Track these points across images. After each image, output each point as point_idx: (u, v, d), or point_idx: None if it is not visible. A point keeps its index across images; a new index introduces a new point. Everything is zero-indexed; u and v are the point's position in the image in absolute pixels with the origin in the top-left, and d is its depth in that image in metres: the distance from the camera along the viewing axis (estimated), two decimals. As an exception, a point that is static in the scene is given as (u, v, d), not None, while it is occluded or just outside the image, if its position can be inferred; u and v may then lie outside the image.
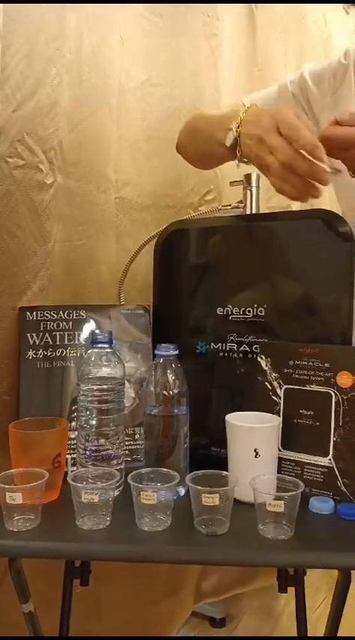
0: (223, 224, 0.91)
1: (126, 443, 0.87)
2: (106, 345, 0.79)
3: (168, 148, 1.19)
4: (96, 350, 0.79)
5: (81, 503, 0.68)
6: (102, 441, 0.77)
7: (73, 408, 0.88)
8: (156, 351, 0.79)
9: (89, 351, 0.80)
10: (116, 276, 1.08)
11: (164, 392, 0.77)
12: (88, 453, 0.77)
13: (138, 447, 0.89)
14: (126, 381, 0.88)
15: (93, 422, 0.77)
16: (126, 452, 0.86)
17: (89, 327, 0.94)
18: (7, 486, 0.67)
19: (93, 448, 0.77)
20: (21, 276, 0.95)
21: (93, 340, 0.79)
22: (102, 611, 1.07)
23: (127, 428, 0.88)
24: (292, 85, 0.94)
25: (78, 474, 0.72)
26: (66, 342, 0.93)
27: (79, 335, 0.93)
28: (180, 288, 0.94)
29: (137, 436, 0.90)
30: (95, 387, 0.77)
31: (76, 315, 0.94)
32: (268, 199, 1.22)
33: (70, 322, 0.93)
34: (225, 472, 0.72)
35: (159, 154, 1.18)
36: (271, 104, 0.91)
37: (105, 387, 0.78)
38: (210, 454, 0.88)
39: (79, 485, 0.67)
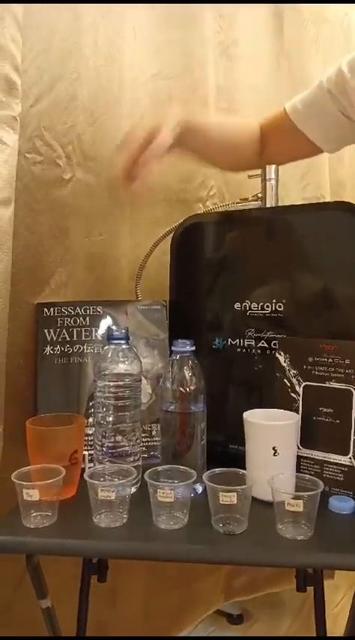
0: (241, 217, 0.90)
1: (144, 439, 0.87)
2: (123, 342, 0.78)
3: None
4: (112, 346, 0.78)
5: (97, 501, 0.67)
6: (118, 437, 0.76)
7: (90, 404, 0.88)
8: (173, 347, 0.78)
9: (105, 348, 0.79)
10: (134, 271, 1.08)
11: (180, 389, 0.77)
12: (104, 449, 0.77)
13: (155, 443, 0.89)
14: (143, 378, 0.87)
15: (110, 418, 0.76)
16: (143, 448, 0.86)
17: (106, 323, 0.93)
18: (24, 483, 0.67)
19: (110, 445, 0.77)
20: (39, 273, 0.95)
21: (109, 336, 0.78)
22: (117, 600, 1.07)
23: (144, 424, 0.87)
24: (328, 82, 0.92)
25: (94, 470, 0.72)
26: (83, 338, 0.92)
27: (95, 331, 0.93)
28: (197, 283, 0.93)
29: (154, 433, 0.89)
30: (111, 384, 0.77)
31: (93, 311, 0.93)
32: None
33: (87, 318, 0.93)
34: (242, 470, 0.71)
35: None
36: (312, 104, 0.93)
37: (121, 383, 0.77)
38: (227, 451, 0.87)
39: (96, 482, 0.67)
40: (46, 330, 0.91)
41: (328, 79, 0.92)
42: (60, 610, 0.79)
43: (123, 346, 0.78)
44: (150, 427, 0.89)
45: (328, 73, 0.93)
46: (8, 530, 0.66)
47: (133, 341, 0.91)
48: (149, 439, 0.89)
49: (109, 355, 0.78)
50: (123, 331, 0.78)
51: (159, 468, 0.72)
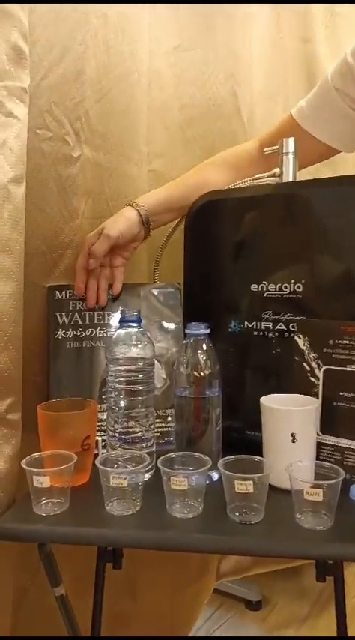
0: (258, 194, 0.86)
1: (158, 425, 0.85)
2: (135, 325, 0.76)
3: (204, 116, 1.14)
4: (124, 329, 0.76)
5: (109, 488, 0.65)
6: (131, 423, 0.74)
7: (103, 389, 0.86)
8: (187, 330, 0.75)
9: (117, 331, 0.77)
10: (145, 254, 1.05)
11: (195, 373, 0.74)
12: (117, 435, 0.74)
13: (170, 429, 0.86)
14: (157, 362, 0.85)
15: (122, 403, 0.74)
16: (158, 434, 0.84)
17: (118, 305, 0.91)
18: (34, 469, 0.65)
19: (123, 430, 0.74)
20: (49, 254, 0.93)
21: (121, 319, 0.76)
22: (137, 591, 1.06)
23: (159, 410, 0.85)
24: (333, 77, 0.88)
25: (107, 457, 0.69)
26: (95, 322, 0.90)
27: (108, 314, 0.91)
28: (213, 264, 0.89)
29: (169, 418, 0.87)
30: (123, 368, 0.74)
31: (108, 295, 0.91)
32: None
33: (100, 301, 0.91)
34: (259, 457, 0.69)
35: (194, 122, 1.12)
36: (319, 105, 0.90)
37: (133, 367, 0.75)
38: (244, 438, 0.84)
39: (108, 469, 0.65)
40: (57, 314, 0.89)
41: (332, 74, 0.88)
42: (77, 600, 0.77)
43: (136, 329, 0.76)
44: (164, 412, 0.87)
45: (331, 69, 0.88)
46: (19, 517, 0.65)
47: (147, 325, 0.89)
48: (164, 425, 0.87)
49: (121, 338, 0.75)
50: (136, 314, 0.76)
51: (173, 455, 0.69)
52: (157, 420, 0.84)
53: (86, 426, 0.74)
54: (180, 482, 0.63)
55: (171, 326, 0.91)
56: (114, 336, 0.77)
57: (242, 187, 0.91)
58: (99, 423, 0.83)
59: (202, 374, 0.74)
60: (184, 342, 0.76)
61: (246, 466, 0.67)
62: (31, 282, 0.89)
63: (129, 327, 0.75)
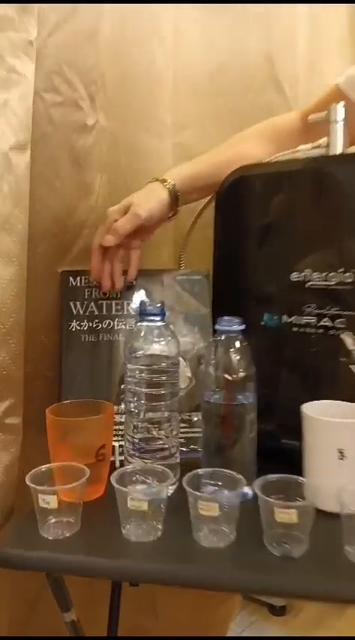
0: (300, 168, 0.74)
1: (182, 430, 0.75)
2: (157, 318, 0.66)
3: (237, 82, 1.02)
4: (145, 323, 0.66)
5: (127, 510, 0.56)
6: (153, 431, 0.65)
7: (122, 387, 0.76)
8: (217, 326, 0.65)
9: (137, 325, 0.67)
10: (171, 235, 0.94)
11: (226, 376, 0.64)
12: (136, 444, 0.65)
13: (195, 434, 0.77)
14: (181, 359, 0.75)
15: (142, 409, 0.65)
16: (182, 440, 0.74)
17: (139, 295, 0.81)
18: (39, 488, 0.56)
19: (143, 439, 0.65)
20: (61, 236, 0.83)
21: (141, 312, 0.66)
22: (158, 609, 0.97)
23: (183, 413, 0.75)
24: None
25: (124, 472, 0.60)
26: (113, 312, 0.80)
27: (127, 304, 0.81)
28: (247, 249, 0.78)
29: (194, 420, 0.77)
30: (144, 368, 0.65)
31: (124, 282, 0.81)
32: None
33: (118, 289, 0.81)
34: (301, 478, 0.59)
35: (226, 90, 1.01)
36: None
37: (156, 367, 0.65)
38: (279, 446, 0.74)
39: (124, 489, 0.56)
40: (71, 303, 0.80)
41: None
42: (89, 624, 0.69)
43: (158, 323, 0.66)
44: (189, 416, 0.77)
45: None
46: (21, 541, 0.56)
47: (171, 316, 0.79)
48: (188, 429, 0.77)
49: (142, 334, 0.66)
50: (159, 305, 0.66)
51: (201, 472, 0.60)
52: (181, 425, 0.74)
53: (102, 433, 0.65)
54: (210, 507, 0.54)
55: (198, 318, 0.81)
56: (133, 331, 0.67)
57: (282, 161, 0.79)
58: (117, 427, 0.74)
59: (235, 377, 0.64)
60: (214, 339, 0.66)
61: (287, 487, 0.57)
62: (41, 267, 0.80)
63: (151, 320, 0.65)
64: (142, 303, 0.66)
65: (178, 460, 0.68)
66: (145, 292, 0.81)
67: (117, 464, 0.73)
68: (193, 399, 0.77)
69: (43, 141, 0.77)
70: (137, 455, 0.66)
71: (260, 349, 0.72)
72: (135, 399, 0.65)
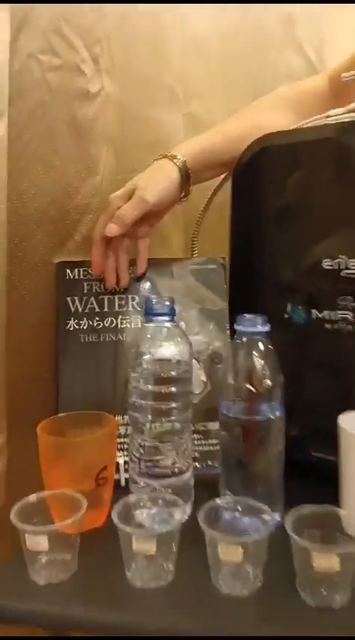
0: (332, 135, 0.63)
1: (196, 442, 0.66)
2: (167, 318, 0.56)
3: (250, 48, 0.90)
4: (151, 325, 0.56)
5: (131, 552, 0.47)
6: (162, 451, 0.55)
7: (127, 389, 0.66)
8: (238, 327, 0.55)
9: (142, 326, 0.57)
10: (181, 220, 0.84)
11: (249, 386, 0.54)
12: (142, 467, 0.56)
13: (211, 447, 0.67)
14: (194, 361, 0.65)
15: (149, 426, 0.55)
16: (196, 454, 0.65)
17: (145, 289, 0.71)
18: (27, 527, 0.47)
19: (150, 460, 0.55)
20: (59, 221, 0.73)
21: (147, 311, 0.56)
22: None
23: (197, 423, 0.65)
24: None
25: (126, 503, 0.51)
26: (117, 309, 0.71)
27: (133, 299, 0.71)
28: (269, 232, 0.68)
29: (211, 430, 0.68)
30: (151, 377, 0.55)
31: (130, 273, 0.71)
32: None
33: (122, 282, 0.71)
34: (342, 510, 0.49)
35: (238, 56, 0.89)
36: None
37: (164, 376, 0.55)
38: (309, 460, 0.65)
39: (128, 530, 0.46)
40: (69, 298, 0.70)
41: None
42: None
43: (167, 324, 0.56)
44: (204, 426, 0.68)
45: None
46: (7, 588, 0.47)
47: (181, 312, 0.69)
48: (203, 442, 0.67)
49: (147, 337, 0.56)
50: (167, 303, 0.56)
51: (219, 502, 0.50)
52: (195, 436, 0.65)
53: (103, 454, 0.56)
54: (233, 551, 0.44)
55: (213, 313, 0.71)
56: (137, 333, 0.57)
57: (310, 128, 0.68)
58: (122, 440, 0.65)
59: (259, 388, 0.53)
60: (233, 341, 0.56)
61: (324, 521, 0.47)
62: (36, 258, 0.71)
63: (159, 321, 0.55)
64: (148, 300, 0.56)
65: (192, 481, 0.58)
66: (152, 285, 0.71)
67: (122, 482, 0.64)
68: (209, 407, 0.68)
69: (39, 111, 0.67)
70: (144, 480, 0.56)
71: (283, 347, 0.62)
72: (141, 413, 0.55)
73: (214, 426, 0.67)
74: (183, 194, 0.71)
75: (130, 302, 0.71)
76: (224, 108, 0.85)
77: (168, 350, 0.55)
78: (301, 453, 0.64)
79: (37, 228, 0.71)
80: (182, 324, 0.69)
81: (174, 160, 0.69)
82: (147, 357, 0.55)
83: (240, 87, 0.87)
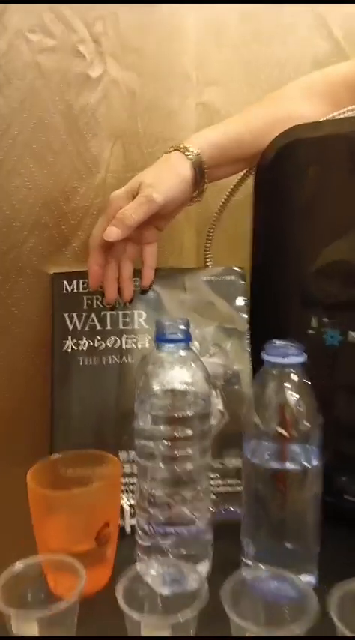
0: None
1: (212, 481, 0.57)
2: (181, 345, 0.46)
3: (272, 31, 0.81)
4: (163, 353, 0.46)
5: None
6: (176, 504, 0.46)
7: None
8: (266, 356, 0.45)
9: (152, 354, 0.48)
10: (193, 222, 0.74)
11: (280, 430, 0.44)
12: (152, 525, 0.46)
13: (229, 488, 0.58)
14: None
15: (159, 477, 0.46)
16: (213, 496, 0.56)
17: (154, 302, 0.62)
18: (12, 610, 0.38)
19: (160, 516, 0.46)
20: (55, 227, 0.64)
21: (158, 336, 0.46)
22: None
23: (213, 459, 0.56)
24: None
25: (134, 576, 0.41)
26: (121, 327, 0.61)
27: (140, 315, 0.62)
28: (298, 239, 0.58)
29: (227, 463, 0.59)
30: (163, 418, 0.46)
31: (136, 286, 0.62)
32: None
33: (127, 296, 0.62)
34: None
35: (258, 37, 0.79)
36: None
37: (178, 415, 0.46)
38: (341, 506, 0.56)
39: (136, 617, 0.37)
40: (66, 315, 0.61)
41: None
42: None
43: (182, 352, 0.47)
44: (221, 463, 0.59)
45: None
46: None
47: (195, 330, 0.60)
48: (220, 482, 0.58)
49: (157, 369, 0.46)
50: (183, 327, 0.46)
51: (246, 574, 0.41)
52: (211, 475, 0.55)
53: (104, 508, 0.47)
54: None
55: (231, 332, 0.62)
56: (144, 362, 0.48)
57: (344, 119, 0.59)
58: (126, 480, 0.56)
59: (293, 432, 0.44)
60: (260, 374, 0.46)
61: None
62: (29, 268, 0.62)
63: (173, 349, 0.46)
64: (159, 323, 0.47)
65: (211, 535, 0.49)
66: (160, 300, 0.62)
67: (127, 529, 0.55)
68: (226, 440, 0.59)
69: (31, 98, 0.58)
70: (154, 540, 0.47)
71: (320, 377, 0.52)
72: (150, 460, 0.46)
73: (232, 462, 0.59)
74: (196, 193, 0.62)
75: (136, 319, 0.62)
76: (242, 97, 0.76)
77: (183, 383, 0.46)
78: (331, 496, 0.55)
79: (28, 235, 0.62)
80: (196, 344, 0.60)
81: (187, 153, 0.59)
82: (157, 391, 0.46)
83: (261, 74, 0.78)
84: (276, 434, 0.44)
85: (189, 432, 0.45)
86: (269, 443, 0.46)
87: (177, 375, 0.46)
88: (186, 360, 0.47)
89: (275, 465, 0.45)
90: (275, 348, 0.45)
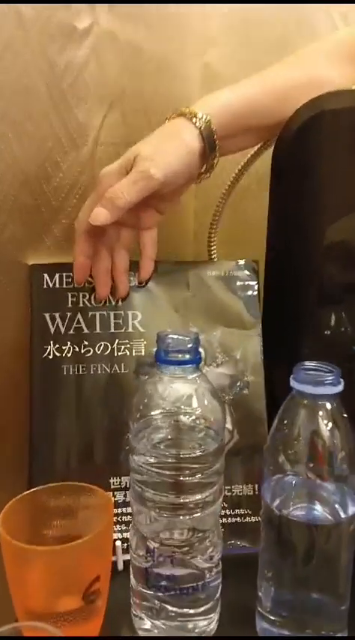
0: None
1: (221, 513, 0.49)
2: (190, 367, 0.37)
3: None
4: (167, 377, 0.37)
5: None
6: (179, 561, 0.38)
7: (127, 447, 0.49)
8: (296, 383, 0.37)
9: (151, 376, 0.39)
10: (192, 207, 0.64)
11: (311, 475, 0.36)
12: (152, 587, 0.38)
13: (239, 519, 0.50)
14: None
15: (161, 528, 0.38)
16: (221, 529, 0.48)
17: (152, 301, 0.53)
18: None
19: (162, 574, 0.38)
20: (35, 210, 0.54)
21: (160, 357, 0.37)
22: None
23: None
24: None
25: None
26: (112, 330, 0.52)
27: (135, 317, 0.53)
28: (326, 226, 0.49)
29: (237, 491, 0.51)
30: (166, 461, 0.37)
31: (130, 281, 0.53)
32: None
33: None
34: None
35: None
36: None
37: (185, 455, 0.37)
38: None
39: None
40: (47, 315, 0.52)
41: None
42: None
43: (190, 375, 0.38)
44: (230, 491, 0.50)
45: None
46: None
47: (200, 335, 0.51)
48: (228, 512, 0.50)
49: (160, 395, 0.38)
50: (191, 345, 0.37)
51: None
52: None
53: (94, 562, 0.38)
54: None
55: (241, 338, 0.53)
56: (142, 388, 0.39)
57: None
58: (118, 511, 0.48)
59: (328, 476, 0.36)
60: (287, 405, 0.38)
61: None
62: (5, 259, 0.52)
63: (179, 373, 0.37)
64: (162, 340, 0.37)
65: (219, 585, 0.42)
66: (159, 299, 0.53)
67: (120, 565, 0.47)
68: (236, 463, 0.51)
69: (9, 56, 0.47)
70: (155, 601, 0.39)
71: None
72: (151, 510, 0.38)
73: (241, 488, 0.51)
74: (204, 168, 0.51)
75: (130, 321, 0.53)
76: (242, 62, 0.64)
77: (192, 414, 0.37)
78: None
79: (7, 219, 0.52)
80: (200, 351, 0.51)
81: (194, 120, 0.49)
82: (158, 423, 0.37)
83: (267, 36, 0.66)
84: (305, 475, 0.36)
85: (199, 475, 0.37)
86: (296, 485, 0.38)
87: (184, 404, 0.37)
88: (195, 386, 0.38)
89: (301, 512, 0.37)
90: (307, 374, 0.36)
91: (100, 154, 0.55)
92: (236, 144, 0.53)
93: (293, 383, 0.37)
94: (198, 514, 0.38)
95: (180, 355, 0.37)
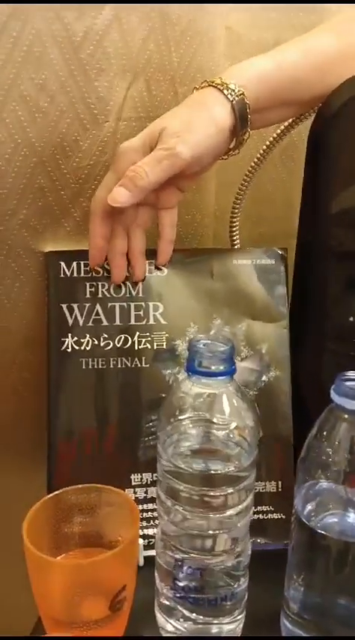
0: None
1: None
2: (224, 379, 0.35)
3: None
4: (197, 389, 0.35)
5: None
6: (208, 574, 0.37)
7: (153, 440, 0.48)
8: (337, 397, 0.35)
9: (182, 387, 0.37)
10: (213, 187, 0.60)
11: (351, 494, 0.35)
12: (178, 592, 0.38)
13: (261, 516, 0.49)
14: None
15: (189, 545, 0.36)
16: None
17: (173, 292, 0.50)
18: None
19: (190, 586, 0.37)
20: (52, 192, 0.51)
21: (192, 367, 0.35)
22: None
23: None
24: None
25: None
26: (132, 322, 0.50)
27: (156, 309, 0.50)
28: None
29: (259, 488, 0.49)
30: (196, 477, 0.35)
31: (150, 270, 0.50)
32: None
33: (140, 284, 0.50)
34: None
35: None
36: None
37: (216, 472, 0.36)
38: None
39: None
40: (64, 306, 0.49)
41: None
42: None
43: (224, 387, 0.36)
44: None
45: None
46: None
47: (223, 328, 0.49)
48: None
49: (191, 408, 0.36)
50: (225, 356, 0.35)
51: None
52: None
53: (121, 572, 0.37)
54: None
55: (269, 330, 0.51)
56: (171, 401, 0.37)
57: None
58: (140, 507, 0.47)
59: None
60: (326, 415, 0.36)
61: None
62: (20, 245, 0.49)
63: (212, 385, 0.35)
64: (194, 348, 0.35)
65: (246, 590, 0.41)
66: (182, 290, 0.50)
67: (141, 561, 0.47)
68: (259, 460, 0.49)
69: (14, 22, 0.43)
70: (181, 612, 0.38)
71: None
72: (178, 526, 0.36)
73: (264, 485, 0.50)
74: (233, 144, 0.48)
75: (151, 313, 0.50)
76: (267, 27, 0.59)
77: (224, 430, 0.36)
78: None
79: (18, 204, 0.49)
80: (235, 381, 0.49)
81: (227, 91, 0.44)
82: (189, 436, 0.35)
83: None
84: (340, 484, 0.35)
85: (230, 490, 0.35)
86: (330, 493, 0.36)
87: (216, 420, 0.35)
88: (230, 399, 0.36)
89: (334, 519, 0.35)
90: (350, 388, 0.34)
91: (123, 130, 0.51)
92: (269, 118, 0.49)
93: (334, 396, 0.35)
94: (228, 529, 0.36)
95: (213, 367, 0.34)
